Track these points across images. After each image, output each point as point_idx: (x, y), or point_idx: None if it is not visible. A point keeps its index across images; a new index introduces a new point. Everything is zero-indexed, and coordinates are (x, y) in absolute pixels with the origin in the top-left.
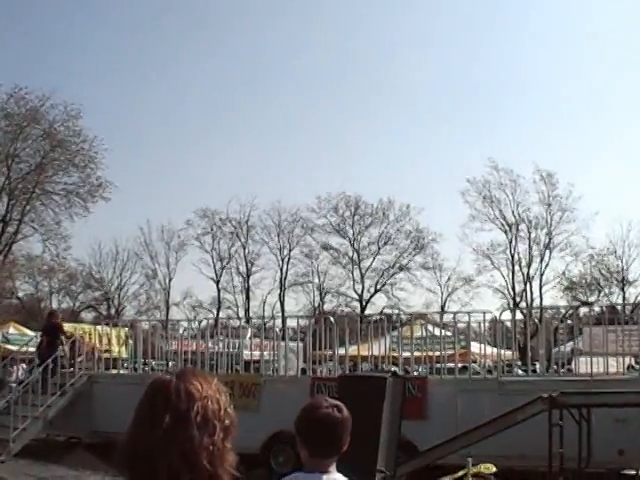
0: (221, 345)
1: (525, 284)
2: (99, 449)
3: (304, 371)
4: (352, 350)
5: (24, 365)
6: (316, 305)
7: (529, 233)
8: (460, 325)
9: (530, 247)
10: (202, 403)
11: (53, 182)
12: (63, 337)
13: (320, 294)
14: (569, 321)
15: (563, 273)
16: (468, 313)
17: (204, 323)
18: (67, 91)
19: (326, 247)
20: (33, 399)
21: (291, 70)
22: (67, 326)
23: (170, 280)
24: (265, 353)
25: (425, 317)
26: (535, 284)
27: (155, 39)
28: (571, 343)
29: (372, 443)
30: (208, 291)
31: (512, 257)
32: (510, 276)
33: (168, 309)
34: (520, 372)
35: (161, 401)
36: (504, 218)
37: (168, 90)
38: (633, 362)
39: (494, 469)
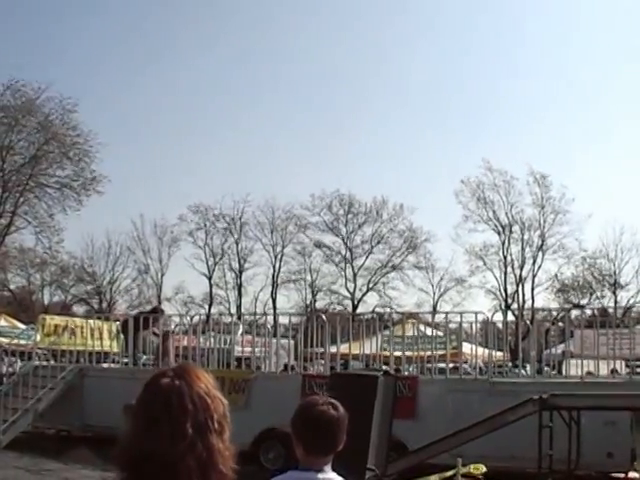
0: (212, 341)
1: (517, 286)
2: (92, 443)
3: (293, 368)
4: (343, 348)
5: (13, 357)
6: (308, 303)
7: (522, 235)
8: (452, 325)
9: (523, 249)
10: (214, 406)
11: (47, 175)
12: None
13: (312, 292)
14: (560, 323)
15: (555, 275)
16: (460, 313)
17: (196, 319)
18: (61, 85)
19: (319, 245)
20: (24, 391)
21: (286, 67)
22: (58, 319)
23: (162, 275)
24: (256, 350)
25: (417, 317)
26: (527, 286)
27: (148, 34)
28: (562, 345)
29: (363, 441)
30: (200, 287)
31: (505, 258)
32: (502, 277)
33: (160, 304)
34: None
35: (178, 409)
36: (497, 219)
37: (163, 85)
38: (617, 366)
39: (484, 469)
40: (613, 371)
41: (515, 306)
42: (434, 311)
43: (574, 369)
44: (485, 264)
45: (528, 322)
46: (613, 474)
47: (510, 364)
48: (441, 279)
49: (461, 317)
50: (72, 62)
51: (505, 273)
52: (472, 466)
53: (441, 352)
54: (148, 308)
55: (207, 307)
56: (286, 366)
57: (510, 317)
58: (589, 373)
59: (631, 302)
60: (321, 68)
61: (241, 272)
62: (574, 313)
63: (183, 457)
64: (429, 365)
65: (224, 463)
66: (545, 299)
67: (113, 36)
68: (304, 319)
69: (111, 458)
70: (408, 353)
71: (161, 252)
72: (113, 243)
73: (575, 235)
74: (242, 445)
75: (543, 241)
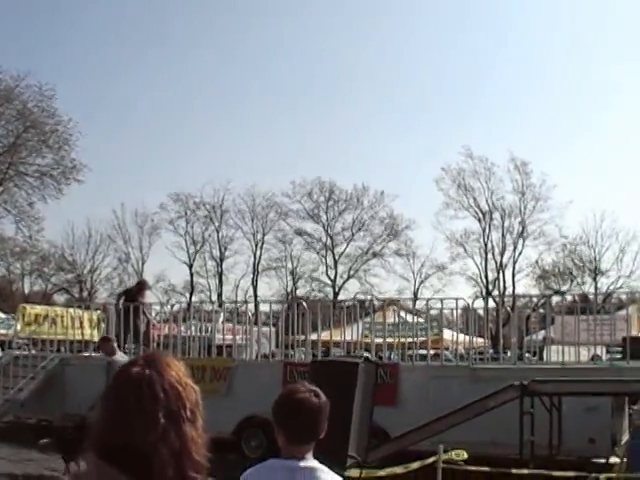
0: (193, 329)
1: (498, 272)
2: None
3: (274, 356)
4: (324, 335)
5: None
6: (289, 290)
7: (503, 221)
8: (433, 312)
9: (503, 235)
10: (186, 394)
11: (26, 163)
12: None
13: (293, 279)
14: (541, 310)
15: (536, 262)
16: (441, 300)
17: (177, 307)
18: (41, 72)
19: (300, 232)
20: (4, 381)
21: (268, 56)
22: (39, 308)
23: (143, 264)
24: (237, 337)
25: (398, 303)
26: (508, 272)
27: (132, 21)
28: (543, 332)
29: (344, 429)
30: (181, 275)
31: (485, 245)
32: (483, 264)
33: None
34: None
35: (150, 398)
36: (478, 206)
37: (144, 73)
38: (599, 352)
39: (465, 455)
40: (594, 357)
41: (496, 293)
42: (415, 298)
43: (555, 355)
44: (466, 251)
45: (509, 309)
46: (594, 460)
47: (491, 350)
48: (422, 266)
49: (442, 304)
50: (52, 50)
51: (486, 260)
52: (453, 452)
53: (422, 339)
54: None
55: (188, 295)
56: (266, 355)
57: (491, 304)
58: (596, 356)
59: (611, 288)
60: (302, 57)
61: (222, 260)
62: (555, 299)
63: (156, 447)
64: (410, 352)
65: (198, 451)
66: (526, 286)
67: (96, 24)
68: (285, 307)
69: (83, 450)
70: (389, 340)
71: (142, 240)
72: (94, 232)
73: (555, 222)
74: (224, 433)
75: (524, 228)
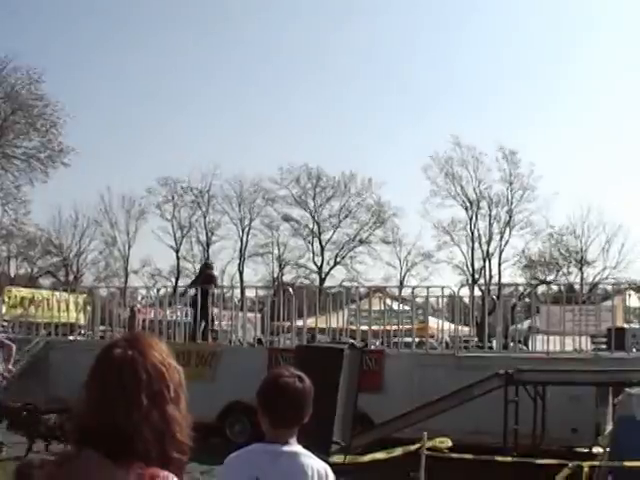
0: (179, 314)
1: (484, 261)
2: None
3: (260, 341)
4: (310, 322)
5: None
6: (275, 276)
7: (490, 210)
8: (418, 300)
9: (490, 224)
10: (169, 375)
11: (14, 146)
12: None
13: (280, 265)
14: (527, 299)
15: (522, 251)
16: (427, 288)
17: (162, 291)
18: (27, 57)
19: (287, 218)
20: None
21: (252, 39)
22: (25, 292)
23: (129, 248)
24: (223, 323)
25: (384, 291)
26: (494, 261)
27: (114, 4)
28: (528, 321)
29: (328, 415)
30: (167, 259)
31: (472, 234)
32: (469, 253)
33: (127, 277)
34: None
35: (132, 380)
36: (465, 195)
37: (131, 57)
38: (584, 342)
39: (449, 443)
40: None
41: (482, 281)
42: (401, 285)
43: (540, 344)
44: (452, 239)
45: (495, 297)
46: (577, 449)
47: (476, 339)
48: (408, 254)
49: (428, 292)
50: (37, 33)
51: (472, 248)
52: (437, 440)
53: (408, 326)
54: (116, 282)
55: (174, 280)
56: (253, 344)
57: (477, 292)
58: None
59: (597, 279)
60: (289, 42)
61: (208, 245)
62: (540, 289)
63: (139, 428)
64: (395, 339)
65: (181, 432)
66: (512, 275)
67: (81, 8)
68: (271, 293)
69: (67, 431)
70: (375, 327)
71: (128, 224)
72: (80, 215)
73: (542, 212)
74: (208, 418)
75: (510, 217)
